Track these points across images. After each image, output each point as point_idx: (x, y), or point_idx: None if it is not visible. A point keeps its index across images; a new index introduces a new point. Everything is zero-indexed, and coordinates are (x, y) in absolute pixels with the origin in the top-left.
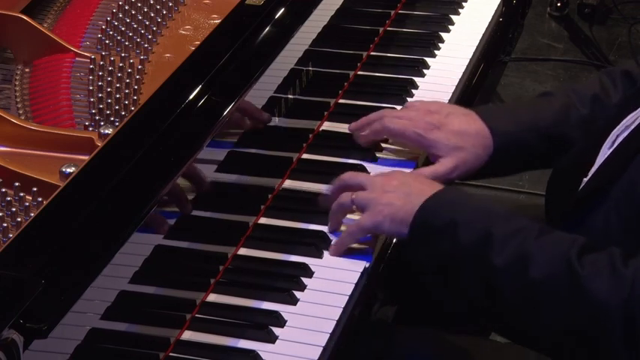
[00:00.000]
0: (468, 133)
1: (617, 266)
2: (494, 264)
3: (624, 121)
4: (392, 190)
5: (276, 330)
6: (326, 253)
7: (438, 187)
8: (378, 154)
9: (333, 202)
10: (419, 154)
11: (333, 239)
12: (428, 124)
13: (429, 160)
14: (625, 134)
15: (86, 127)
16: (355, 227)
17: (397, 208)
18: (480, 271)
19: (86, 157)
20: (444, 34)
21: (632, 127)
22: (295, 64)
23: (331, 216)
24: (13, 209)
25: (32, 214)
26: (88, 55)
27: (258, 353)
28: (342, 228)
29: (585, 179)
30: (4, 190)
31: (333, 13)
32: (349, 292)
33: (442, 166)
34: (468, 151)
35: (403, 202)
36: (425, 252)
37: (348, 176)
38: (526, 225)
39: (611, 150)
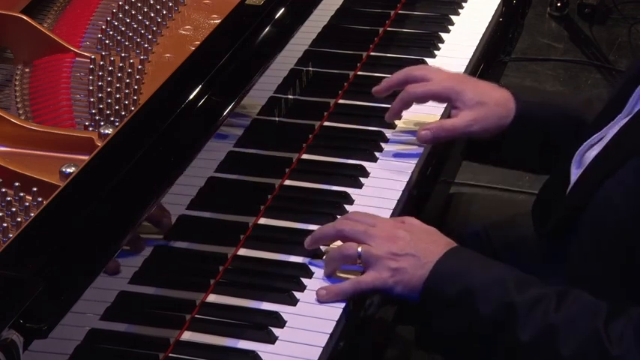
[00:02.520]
0: (492, 93)
1: None
2: (520, 339)
3: (589, 140)
4: (400, 253)
5: (276, 330)
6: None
7: (444, 244)
8: (377, 154)
9: (322, 242)
10: (421, 150)
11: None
12: (454, 78)
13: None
14: (591, 153)
15: (86, 127)
16: (363, 285)
17: (408, 276)
18: (505, 343)
19: (86, 157)
20: (443, 34)
21: (596, 147)
22: (295, 64)
23: (329, 262)
24: (13, 209)
25: (32, 214)
26: (88, 55)
27: (257, 354)
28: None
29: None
30: (4, 190)
31: (333, 13)
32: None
33: (462, 119)
34: (490, 108)
35: (413, 268)
36: (440, 320)
37: (349, 227)
38: (543, 293)
39: (579, 171)
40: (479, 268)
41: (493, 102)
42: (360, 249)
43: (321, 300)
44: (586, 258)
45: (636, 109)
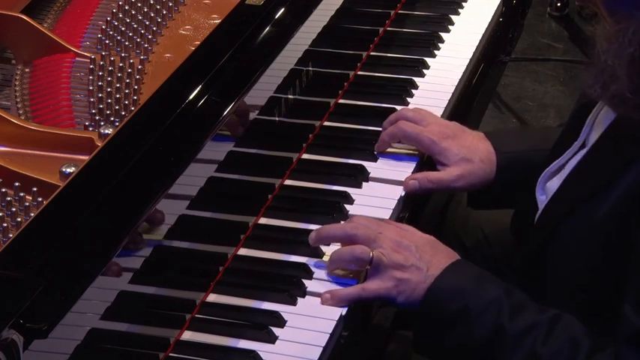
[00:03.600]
0: (478, 149)
1: None
2: None
3: (549, 167)
4: (406, 264)
5: (276, 330)
6: (326, 254)
7: (446, 256)
8: (377, 154)
9: (328, 241)
10: (422, 152)
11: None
12: (442, 133)
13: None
14: (553, 183)
15: (86, 127)
16: (366, 292)
17: (411, 287)
18: None
19: (86, 157)
20: (443, 34)
21: (557, 177)
22: (295, 64)
23: (337, 261)
24: (13, 209)
25: (32, 214)
26: (88, 55)
27: (258, 353)
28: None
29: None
30: (4, 190)
31: (333, 13)
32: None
33: (448, 174)
34: (476, 164)
35: (417, 280)
36: (435, 332)
37: (363, 230)
38: (536, 321)
39: (543, 199)
40: (477, 286)
41: (478, 158)
42: (372, 254)
43: (325, 304)
44: (557, 282)
45: (590, 140)
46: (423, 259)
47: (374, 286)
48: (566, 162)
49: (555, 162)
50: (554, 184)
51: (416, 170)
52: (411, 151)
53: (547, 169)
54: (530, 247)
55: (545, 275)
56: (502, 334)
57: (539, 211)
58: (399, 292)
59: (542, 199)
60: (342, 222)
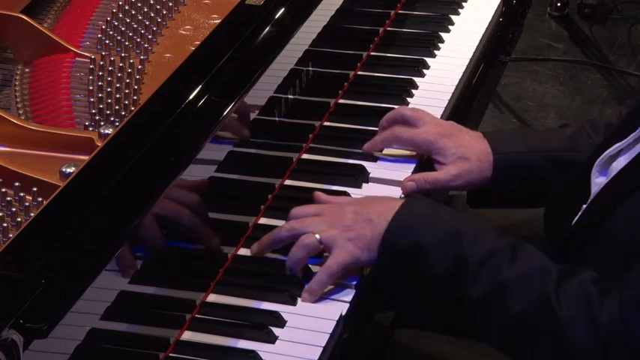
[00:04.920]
0: (475, 148)
1: (594, 311)
2: (470, 295)
3: (610, 149)
4: (352, 223)
5: (276, 330)
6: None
7: (395, 204)
8: (377, 154)
9: (274, 247)
10: (421, 154)
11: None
12: (439, 132)
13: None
14: (619, 163)
15: (86, 127)
16: (333, 265)
17: (367, 238)
18: (457, 299)
19: (86, 157)
20: (443, 34)
21: (622, 157)
22: (295, 64)
23: (294, 263)
24: (13, 209)
25: (32, 214)
26: (88, 55)
27: (258, 353)
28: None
29: (584, 205)
30: (4, 190)
31: (333, 13)
32: (350, 292)
33: (445, 173)
34: (473, 163)
35: (370, 230)
36: (396, 275)
37: (299, 224)
38: (497, 247)
39: (602, 181)
40: (434, 220)
41: (476, 157)
42: (317, 236)
43: (306, 301)
44: (597, 269)
45: None
46: (370, 211)
47: (338, 257)
48: (631, 144)
49: (616, 145)
50: (619, 163)
51: (415, 171)
52: (409, 153)
53: (606, 152)
54: (582, 224)
55: (582, 260)
56: (462, 263)
57: (597, 191)
58: (360, 249)
59: (598, 182)
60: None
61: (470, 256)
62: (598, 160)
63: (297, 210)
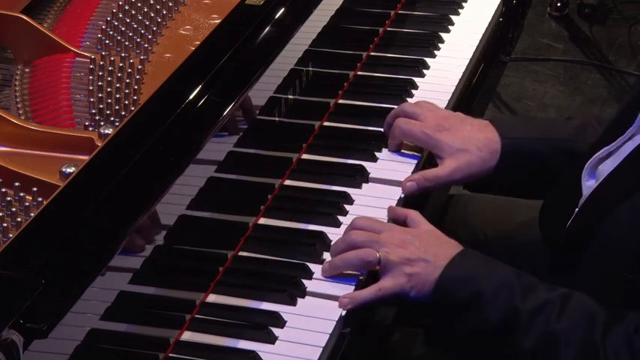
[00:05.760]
0: (476, 138)
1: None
2: (522, 346)
3: (599, 152)
4: (413, 258)
5: (276, 330)
6: (325, 255)
7: (451, 246)
8: (377, 154)
9: (341, 268)
10: (421, 151)
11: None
12: (437, 125)
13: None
14: (605, 167)
15: (86, 127)
16: (382, 291)
17: (422, 280)
18: (509, 348)
19: (86, 157)
20: (443, 34)
21: (609, 160)
22: (295, 64)
23: (343, 265)
24: (13, 209)
25: (32, 214)
26: (88, 55)
27: (257, 354)
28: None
29: (577, 209)
30: (4, 190)
31: (333, 13)
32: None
33: (444, 168)
34: (473, 154)
35: (426, 273)
36: (447, 321)
37: (361, 238)
38: (547, 299)
39: (592, 184)
40: (486, 272)
41: (475, 147)
42: (379, 254)
43: (345, 308)
44: (592, 271)
45: None
46: (428, 252)
47: (389, 284)
48: (619, 147)
49: (605, 148)
50: (606, 167)
51: (416, 170)
52: (413, 147)
53: (596, 154)
54: (575, 227)
55: (580, 261)
56: (515, 314)
57: (588, 194)
58: (411, 286)
59: (588, 185)
60: (342, 223)
61: (522, 308)
62: (588, 163)
63: (358, 220)
